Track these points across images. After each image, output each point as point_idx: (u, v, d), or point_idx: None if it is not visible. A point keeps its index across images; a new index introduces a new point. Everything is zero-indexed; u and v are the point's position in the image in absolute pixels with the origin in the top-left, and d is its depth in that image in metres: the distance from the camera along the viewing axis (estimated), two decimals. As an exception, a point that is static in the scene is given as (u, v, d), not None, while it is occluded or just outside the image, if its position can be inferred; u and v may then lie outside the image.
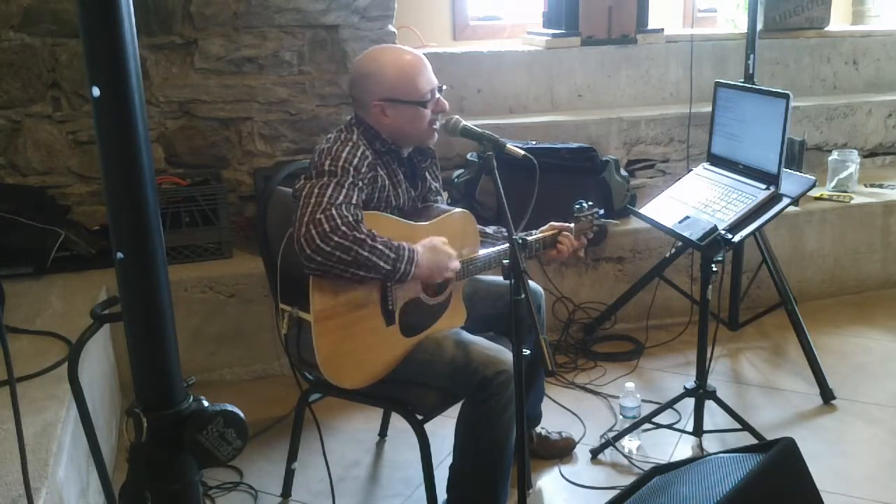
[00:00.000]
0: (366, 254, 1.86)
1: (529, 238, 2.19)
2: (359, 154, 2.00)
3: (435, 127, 2.13)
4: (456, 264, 2.06)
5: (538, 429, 2.58)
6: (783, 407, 2.86)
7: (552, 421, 2.74)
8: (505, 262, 1.81)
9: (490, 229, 2.38)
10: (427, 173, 2.26)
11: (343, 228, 1.85)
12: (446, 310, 2.17)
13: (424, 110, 2.09)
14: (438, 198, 2.31)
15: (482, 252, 2.20)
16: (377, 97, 2.06)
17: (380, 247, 1.88)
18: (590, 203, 2.42)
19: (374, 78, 2.07)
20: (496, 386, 1.97)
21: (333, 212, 1.86)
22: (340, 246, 1.84)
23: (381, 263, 1.88)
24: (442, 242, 2.05)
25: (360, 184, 1.97)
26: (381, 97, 2.06)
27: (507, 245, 2.19)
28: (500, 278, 2.32)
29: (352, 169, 1.96)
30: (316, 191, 1.91)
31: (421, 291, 2.11)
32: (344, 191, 1.92)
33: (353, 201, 1.92)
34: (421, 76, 2.08)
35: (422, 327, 2.11)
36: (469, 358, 2.02)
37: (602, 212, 2.44)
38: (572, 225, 2.34)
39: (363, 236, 1.86)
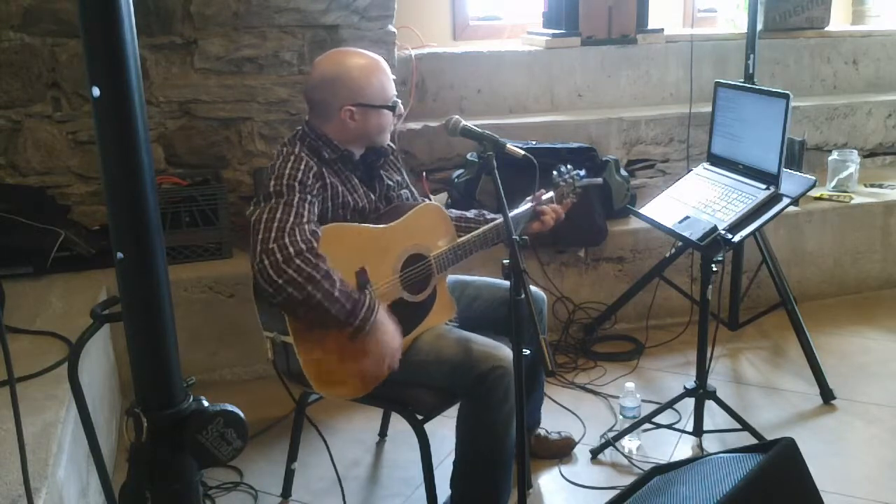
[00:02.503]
0: (319, 297, 1.82)
1: (510, 215, 2.17)
2: (302, 167, 1.96)
3: (391, 129, 2.13)
4: (398, 348, 2.00)
5: (538, 429, 2.58)
6: (783, 407, 2.86)
7: (552, 421, 2.73)
8: (505, 262, 1.80)
9: (471, 213, 2.34)
10: (383, 171, 2.21)
11: (297, 261, 1.81)
12: (434, 305, 2.15)
13: (390, 114, 2.09)
14: (403, 192, 2.25)
15: (460, 239, 2.17)
16: (348, 102, 2.03)
17: (336, 294, 1.84)
18: (569, 166, 2.39)
19: (343, 83, 2.03)
20: (492, 381, 1.96)
21: (286, 239, 1.83)
22: (293, 281, 1.80)
23: (333, 312, 1.84)
24: (395, 333, 1.99)
25: (310, 197, 1.93)
26: (353, 102, 2.03)
27: (490, 226, 2.18)
28: (501, 281, 2.32)
29: (297, 185, 1.93)
30: (265, 216, 1.88)
31: (403, 290, 2.08)
32: (294, 210, 1.88)
33: (305, 220, 1.89)
34: (388, 80, 2.08)
35: (411, 326, 2.09)
36: (466, 354, 2.01)
37: (583, 173, 2.40)
38: (552, 193, 2.32)
39: (319, 276, 1.81)
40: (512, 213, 2.18)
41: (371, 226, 2.04)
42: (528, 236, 1.85)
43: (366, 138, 2.11)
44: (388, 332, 1.96)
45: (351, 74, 2.04)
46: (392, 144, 2.23)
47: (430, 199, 2.60)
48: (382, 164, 2.21)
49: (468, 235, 2.17)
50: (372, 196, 2.13)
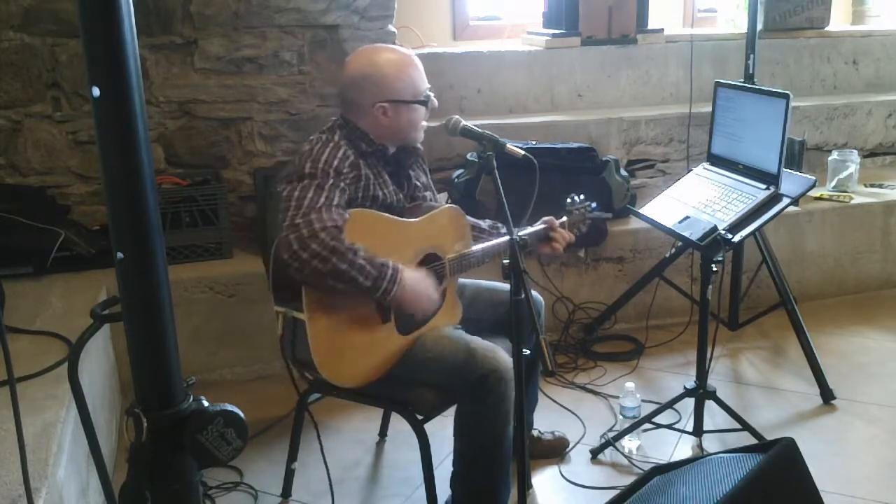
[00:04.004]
0: (344, 267, 1.83)
1: (523, 233, 2.19)
2: (339, 155, 1.98)
3: (424, 126, 2.13)
4: (437, 297, 2.05)
5: (531, 430, 2.58)
6: (783, 407, 2.86)
7: (552, 420, 2.74)
8: (505, 262, 1.81)
9: (485, 224, 2.37)
10: (411, 171, 2.23)
11: (321, 235, 1.82)
12: (441, 306, 2.16)
13: (423, 109, 2.10)
14: (427, 193, 2.29)
15: (476, 247, 2.19)
16: (380, 99, 2.05)
17: (360, 262, 1.85)
18: (581, 196, 2.41)
19: (374, 80, 2.05)
20: (492, 383, 1.97)
21: (312, 216, 1.84)
22: (317, 255, 1.81)
23: (361, 279, 1.86)
24: (426, 278, 2.03)
25: (342, 184, 1.95)
26: (384, 99, 2.05)
27: (503, 240, 2.20)
28: (501, 284, 2.33)
29: (332, 171, 1.94)
30: (296, 194, 1.89)
31: None
32: (324, 193, 1.90)
33: (335, 203, 1.90)
34: (419, 75, 2.09)
35: (418, 324, 2.11)
36: (466, 355, 2.02)
37: (595, 205, 2.44)
38: (565, 219, 2.34)
39: (343, 248, 1.83)
40: (525, 232, 2.22)
41: (396, 218, 2.07)
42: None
43: (400, 135, 2.12)
44: (418, 293, 1.98)
45: (382, 71, 2.05)
46: (420, 146, 2.25)
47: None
48: (412, 163, 2.24)
49: (482, 245, 2.21)
50: (400, 193, 2.16)
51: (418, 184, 2.25)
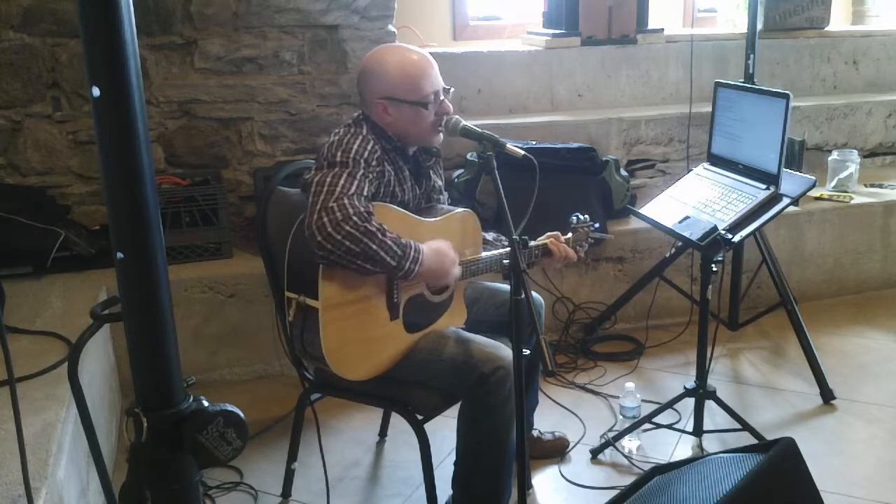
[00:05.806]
0: (374, 247, 1.87)
1: (531, 244, 2.19)
2: (369, 147, 2.00)
3: (439, 128, 2.12)
4: (457, 271, 2.06)
5: (532, 431, 2.58)
6: (783, 407, 2.86)
7: (552, 420, 2.74)
8: (505, 262, 1.81)
9: (490, 236, 2.36)
10: (431, 172, 2.27)
11: (354, 218, 1.85)
12: (448, 308, 2.17)
13: (425, 111, 2.09)
14: (441, 196, 2.32)
15: (484, 254, 2.21)
16: (379, 95, 2.07)
17: (388, 242, 1.89)
18: (585, 216, 2.43)
19: (376, 75, 2.07)
20: (494, 382, 1.97)
21: (345, 201, 1.87)
22: (351, 236, 1.84)
23: (388, 259, 1.89)
24: (448, 247, 2.04)
25: (371, 176, 1.98)
26: (383, 95, 2.06)
27: (509, 249, 2.20)
28: (501, 285, 2.33)
29: (362, 161, 1.97)
30: (328, 180, 1.91)
31: (425, 288, 2.11)
32: (355, 182, 1.93)
33: (364, 193, 1.94)
34: (425, 77, 2.08)
35: (424, 324, 2.12)
36: (467, 355, 2.02)
37: (597, 225, 2.46)
38: (570, 235, 2.36)
39: (374, 229, 1.87)
40: (533, 244, 2.22)
41: (413, 215, 2.09)
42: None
43: (408, 135, 2.12)
44: (434, 267, 1.99)
45: (386, 68, 2.07)
46: (439, 149, 2.26)
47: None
48: (433, 163, 2.26)
49: (491, 252, 2.22)
50: (417, 191, 2.19)
51: (435, 185, 2.28)
